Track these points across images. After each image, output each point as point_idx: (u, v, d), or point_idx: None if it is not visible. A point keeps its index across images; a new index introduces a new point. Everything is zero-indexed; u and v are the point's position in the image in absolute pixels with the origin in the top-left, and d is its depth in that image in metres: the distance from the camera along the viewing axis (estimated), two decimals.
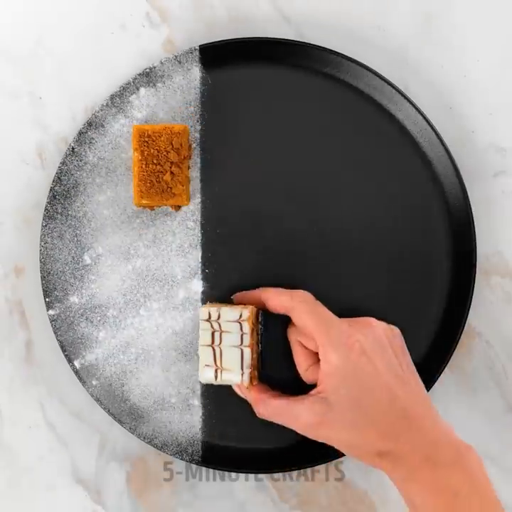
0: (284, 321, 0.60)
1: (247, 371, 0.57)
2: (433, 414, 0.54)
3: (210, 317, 0.57)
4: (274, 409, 0.57)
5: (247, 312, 0.57)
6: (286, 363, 0.60)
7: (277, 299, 0.57)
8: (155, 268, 0.62)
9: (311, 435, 0.55)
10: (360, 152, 0.61)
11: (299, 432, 0.56)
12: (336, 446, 0.55)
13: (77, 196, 0.61)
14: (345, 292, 0.61)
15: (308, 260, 0.61)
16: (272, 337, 0.61)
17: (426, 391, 0.56)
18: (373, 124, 0.61)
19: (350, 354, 0.54)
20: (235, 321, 0.57)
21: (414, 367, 0.56)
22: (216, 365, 0.57)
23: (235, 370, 0.56)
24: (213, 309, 0.57)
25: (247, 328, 0.57)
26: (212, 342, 0.57)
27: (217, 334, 0.57)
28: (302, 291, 0.58)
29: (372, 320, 0.57)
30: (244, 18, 0.63)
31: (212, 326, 0.57)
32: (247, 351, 0.57)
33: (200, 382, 0.61)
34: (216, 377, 0.56)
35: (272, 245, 0.61)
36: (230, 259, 0.61)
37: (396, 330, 0.57)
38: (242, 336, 0.57)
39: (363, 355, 0.54)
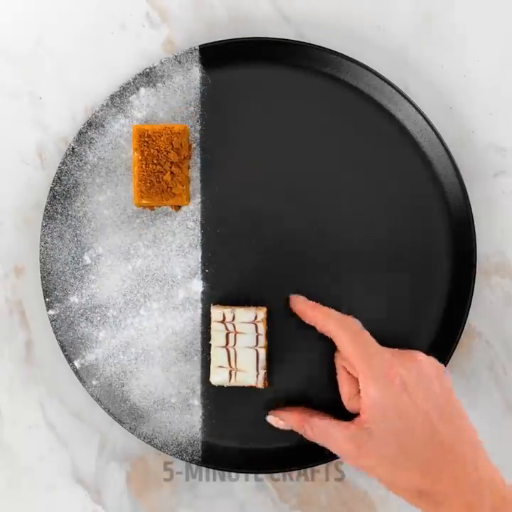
0: (291, 324, 0.60)
1: (262, 372, 0.58)
2: (479, 455, 0.53)
3: (224, 318, 0.57)
4: (319, 429, 0.56)
5: (262, 313, 0.58)
6: (295, 366, 0.61)
7: (322, 322, 0.57)
8: (155, 268, 0.62)
9: (352, 463, 0.55)
10: (360, 152, 0.61)
11: (341, 457, 0.56)
12: (377, 480, 0.54)
13: (77, 196, 0.61)
14: (345, 292, 0.61)
15: (308, 260, 0.61)
16: (279, 339, 0.61)
17: (476, 432, 0.54)
18: (373, 124, 0.61)
19: (391, 387, 0.53)
20: (250, 322, 0.57)
21: (461, 406, 0.55)
22: (230, 367, 0.57)
23: (249, 372, 0.57)
24: (227, 310, 0.57)
25: (262, 329, 0.58)
26: (227, 343, 0.57)
27: (231, 336, 0.57)
28: (351, 317, 0.57)
29: (418, 354, 0.56)
30: (244, 18, 0.63)
31: (226, 328, 0.57)
32: (263, 352, 0.57)
33: (200, 383, 0.61)
34: (230, 378, 0.57)
35: (271, 245, 0.61)
36: (230, 259, 0.61)
37: (442, 367, 0.56)
38: (257, 337, 0.58)
39: (404, 390, 0.53)
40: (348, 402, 0.57)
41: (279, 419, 0.59)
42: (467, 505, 0.51)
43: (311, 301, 0.59)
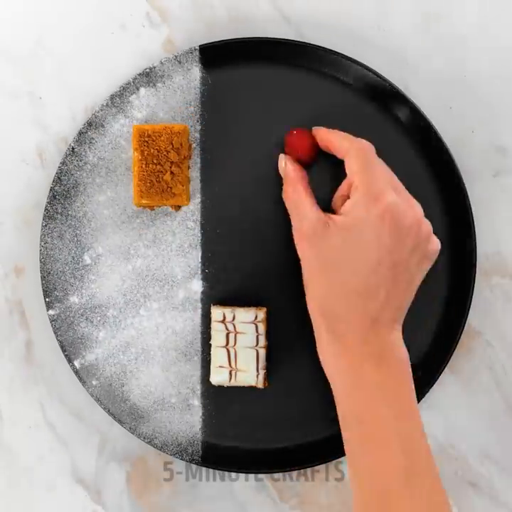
0: (291, 324, 0.61)
1: (262, 372, 0.58)
2: (397, 330, 0.55)
3: (224, 318, 0.58)
4: (298, 195, 0.57)
5: (262, 313, 0.58)
6: (295, 365, 0.61)
7: (338, 141, 0.57)
8: (155, 268, 0.62)
9: (301, 247, 0.56)
10: None
11: (295, 239, 0.57)
12: (310, 277, 0.56)
13: (77, 196, 0.61)
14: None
15: None
16: (279, 339, 0.61)
17: (408, 302, 0.56)
18: (373, 124, 0.61)
19: (373, 210, 0.53)
20: (250, 322, 0.58)
21: (416, 285, 0.56)
22: (230, 367, 0.57)
23: (250, 371, 0.57)
24: (228, 310, 0.58)
25: (262, 329, 0.58)
26: (227, 343, 0.58)
27: (231, 336, 0.57)
28: (365, 140, 0.57)
29: (420, 213, 0.55)
30: (244, 18, 0.63)
31: (226, 328, 0.57)
32: (263, 352, 0.58)
33: (200, 383, 0.61)
34: (230, 378, 0.57)
35: (271, 245, 0.61)
36: (230, 259, 0.61)
37: (435, 241, 0.56)
38: (257, 337, 0.58)
39: (383, 221, 0.53)
40: (336, 198, 0.59)
41: (283, 164, 0.59)
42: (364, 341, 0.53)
43: (331, 129, 0.59)
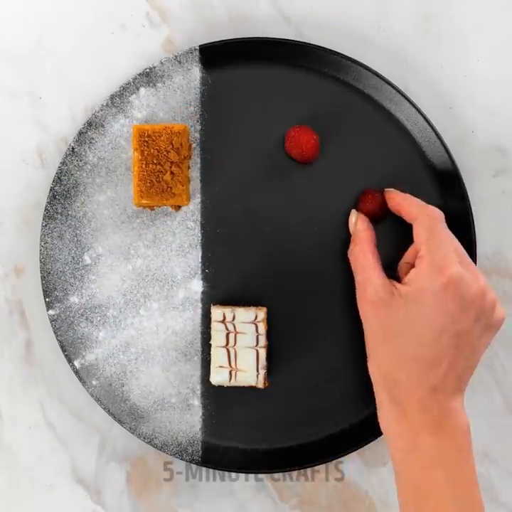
0: (291, 324, 0.61)
1: (262, 372, 0.58)
2: (458, 399, 0.54)
3: (224, 318, 0.58)
4: (365, 258, 0.57)
5: (262, 313, 0.58)
6: (295, 365, 0.61)
7: (408, 206, 0.58)
8: (155, 268, 0.62)
9: (363, 309, 0.56)
10: (360, 152, 0.61)
11: (358, 298, 0.57)
12: (372, 341, 0.56)
13: (77, 196, 0.61)
14: (345, 292, 0.61)
15: (309, 260, 0.61)
16: (279, 339, 0.61)
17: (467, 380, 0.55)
18: (373, 124, 0.61)
19: (437, 281, 0.53)
20: (250, 322, 0.58)
21: (480, 354, 0.55)
22: (230, 367, 0.57)
23: (250, 371, 0.57)
24: (227, 310, 0.58)
25: (262, 329, 0.58)
26: (227, 343, 0.58)
27: (231, 335, 0.57)
28: (435, 208, 0.57)
29: (484, 283, 0.55)
30: (244, 18, 0.63)
31: (226, 328, 0.57)
32: (263, 352, 0.58)
33: (200, 383, 0.61)
34: (230, 378, 0.57)
35: (272, 245, 0.61)
36: (230, 259, 0.61)
37: (500, 310, 0.56)
38: (257, 337, 0.58)
39: (446, 292, 0.53)
40: (401, 265, 0.59)
41: (354, 220, 0.60)
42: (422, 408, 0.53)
43: (402, 193, 0.59)
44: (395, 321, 0.54)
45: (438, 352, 0.53)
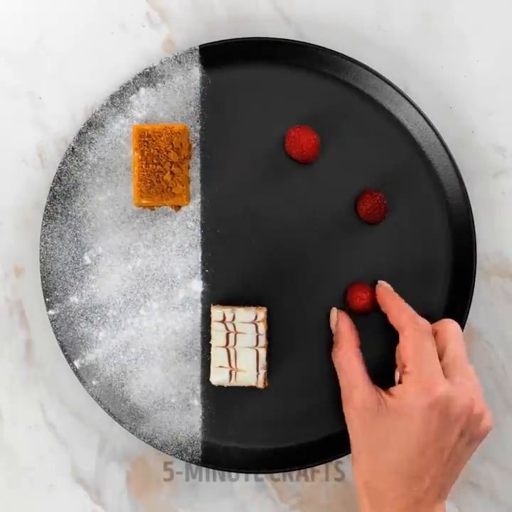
0: (291, 324, 0.60)
1: (262, 372, 0.58)
2: (440, 505, 0.54)
3: (224, 318, 0.57)
4: (349, 362, 0.57)
5: (262, 313, 0.58)
6: (295, 365, 0.61)
7: (397, 312, 0.57)
8: (155, 268, 0.61)
9: (349, 413, 0.56)
10: (360, 152, 0.61)
11: (343, 400, 0.57)
12: (355, 440, 0.56)
13: (77, 196, 0.61)
14: (345, 292, 0.61)
15: (309, 260, 0.61)
16: (280, 339, 0.61)
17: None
18: (373, 124, 0.61)
19: (423, 399, 0.53)
20: (250, 322, 0.57)
21: (464, 463, 0.55)
22: (230, 367, 0.57)
23: (250, 371, 0.57)
24: (227, 310, 0.57)
25: (262, 329, 0.58)
26: (227, 343, 0.57)
27: (231, 335, 0.57)
28: (423, 320, 0.57)
29: (470, 397, 0.54)
30: (244, 18, 0.63)
31: (226, 328, 0.57)
32: (263, 352, 0.57)
33: (200, 383, 0.61)
34: (230, 378, 0.57)
35: (272, 245, 0.61)
36: (230, 259, 0.61)
37: (487, 421, 0.56)
38: (257, 337, 0.58)
39: (432, 411, 0.53)
40: (396, 370, 0.58)
41: (335, 318, 0.59)
42: None
43: (393, 292, 0.59)
44: (379, 432, 0.54)
45: (421, 467, 0.53)
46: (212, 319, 0.58)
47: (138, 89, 0.61)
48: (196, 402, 0.61)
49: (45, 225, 0.61)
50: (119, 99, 0.61)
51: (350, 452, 0.60)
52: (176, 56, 0.61)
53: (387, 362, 0.60)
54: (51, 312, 0.61)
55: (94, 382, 0.61)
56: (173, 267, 0.61)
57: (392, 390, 0.55)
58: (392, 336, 0.59)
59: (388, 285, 0.60)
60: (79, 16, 0.63)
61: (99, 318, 0.61)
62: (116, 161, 0.61)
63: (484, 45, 0.63)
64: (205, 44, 0.61)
